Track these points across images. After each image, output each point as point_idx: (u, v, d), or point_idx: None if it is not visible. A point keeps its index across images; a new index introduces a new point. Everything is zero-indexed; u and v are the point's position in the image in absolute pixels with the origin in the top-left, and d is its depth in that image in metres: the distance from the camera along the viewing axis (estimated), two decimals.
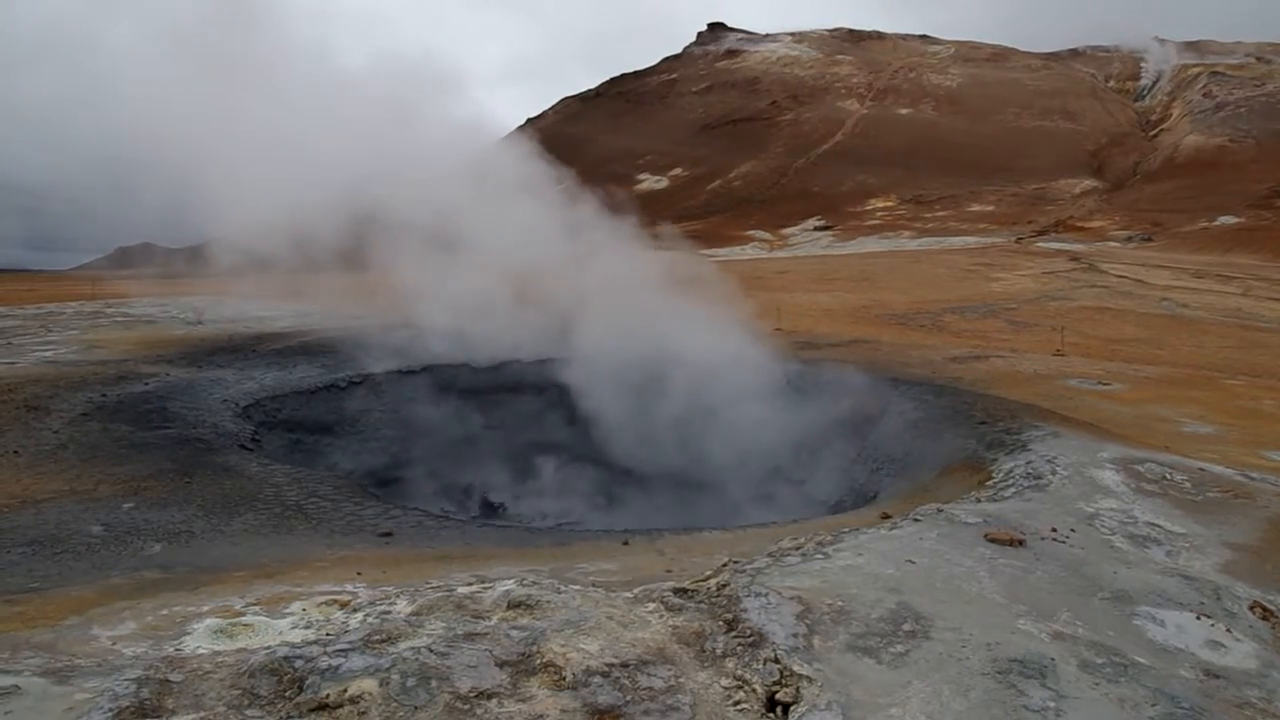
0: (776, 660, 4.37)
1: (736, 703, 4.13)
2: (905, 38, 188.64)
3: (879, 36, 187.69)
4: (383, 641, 4.43)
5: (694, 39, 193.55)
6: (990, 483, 9.11)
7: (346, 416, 15.14)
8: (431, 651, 4.25)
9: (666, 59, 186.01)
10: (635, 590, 5.41)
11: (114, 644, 4.75)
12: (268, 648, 4.49)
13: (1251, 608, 5.59)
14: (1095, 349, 21.30)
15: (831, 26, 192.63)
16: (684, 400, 15.78)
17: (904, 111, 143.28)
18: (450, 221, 19.09)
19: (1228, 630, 5.23)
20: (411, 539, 8.37)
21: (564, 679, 4.13)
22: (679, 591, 5.27)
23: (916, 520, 6.97)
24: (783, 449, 15.27)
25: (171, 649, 4.61)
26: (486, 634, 4.56)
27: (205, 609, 5.36)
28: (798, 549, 6.19)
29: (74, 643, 4.73)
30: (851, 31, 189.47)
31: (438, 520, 9.33)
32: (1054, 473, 8.75)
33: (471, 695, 3.94)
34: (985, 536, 6.48)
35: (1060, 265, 48.65)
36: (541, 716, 3.86)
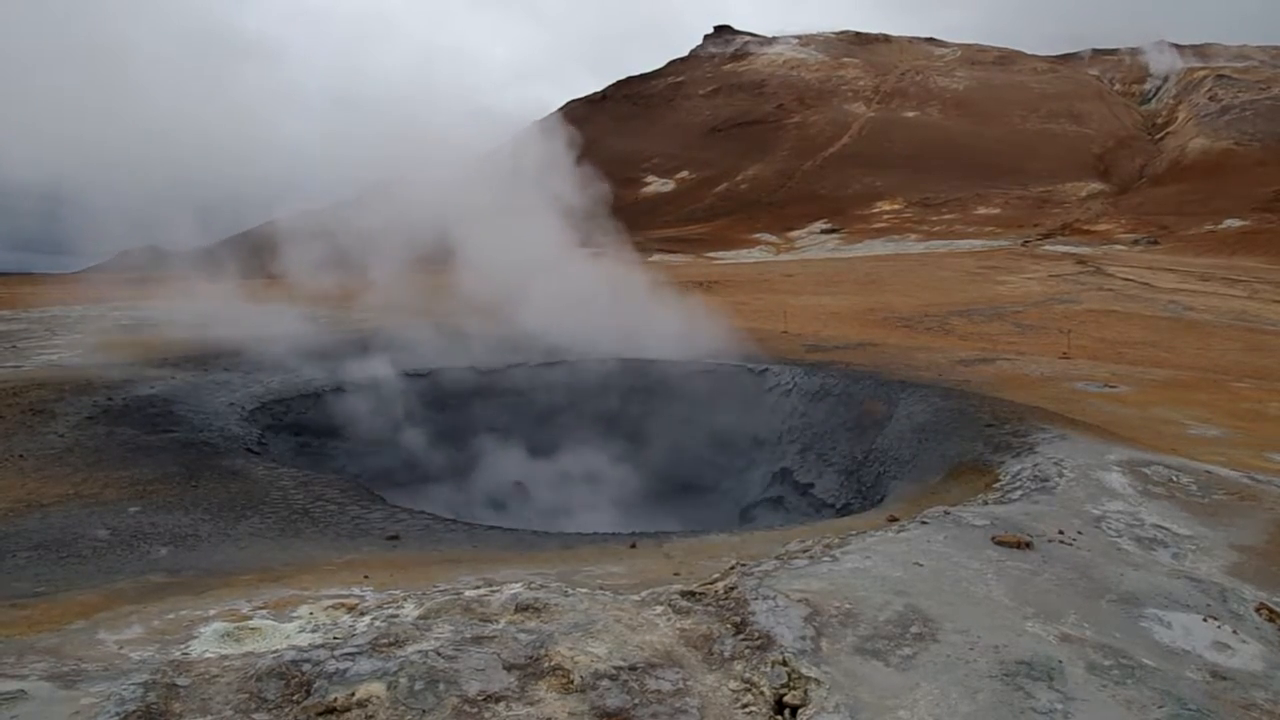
0: (784, 663, 4.36)
1: (744, 705, 4.12)
2: (912, 40, 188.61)
3: (885, 39, 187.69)
4: (390, 645, 4.43)
5: (700, 42, 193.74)
6: (997, 485, 9.10)
7: (353, 418, 15.14)
8: (439, 655, 4.25)
9: (673, 62, 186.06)
10: (643, 593, 5.40)
11: (120, 648, 4.75)
12: (275, 651, 4.50)
13: (1258, 609, 5.57)
14: (1102, 352, 21.25)
15: (838, 29, 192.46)
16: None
17: (910, 114, 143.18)
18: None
19: (1234, 632, 5.22)
20: (419, 542, 8.38)
21: (572, 682, 4.13)
22: (687, 594, 5.27)
23: (924, 523, 6.96)
24: (790, 450, 15.30)
25: (178, 653, 4.61)
26: (494, 637, 4.56)
27: (212, 613, 5.37)
28: (805, 552, 6.18)
29: (80, 647, 4.74)
30: (858, 34, 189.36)
31: (445, 523, 9.34)
32: (1061, 475, 8.73)
33: (479, 699, 3.94)
34: (992, 539, 6.47)
35: (1067, 268, 48.58)
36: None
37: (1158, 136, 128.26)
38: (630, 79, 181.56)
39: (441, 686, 3.98)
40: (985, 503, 8.24)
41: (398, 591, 5.77)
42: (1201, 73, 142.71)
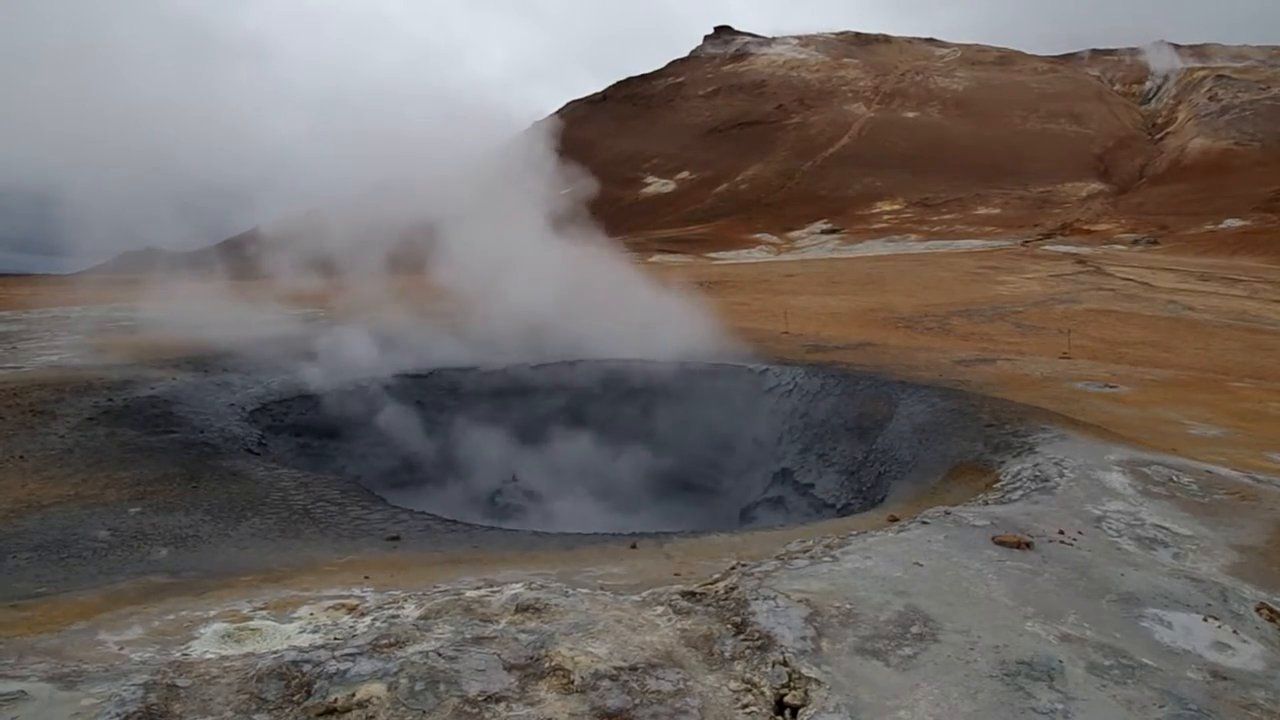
0: (785, 663, 4.36)
1: (745, 705, 4.12)
2: (911, 41, 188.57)
3: (885, 40, 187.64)
4: (391, 645, 4.43)
5: (700, 42, 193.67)
6: (998, 485, 9.09)
7: (353, 419, 15.14)
8: (440, 655, 4.25)
9: (673, 62, 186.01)
10: (643, 593, 5.40)
11: (121, 649, 4.75)
12: (275, 652, 4.50)
13: (1258, 609, 5.57)
14: (1102, 352, 21.24)
15: (837, 30, 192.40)
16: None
17: (910, 115, 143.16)
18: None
19: (1234, 632, 5.21)
20: (419, 543, 8.39)
21: (572, 682, 4.13)
22: (687, 595, 5.27)
23: (924, 523, 6.96)
24: (791, 450, 15.29)
25: (179, 654, 4.61)
26: (495, 638, 4.56)
27: (212, 614, 5.37)
28: (806, 552, 6.18)
29: (81, 648, 4.74)
30: (858, 35, 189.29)
31: (445, 524, 9.33)
32: (1061, 475, 8.72)
33: (480, 699, 3.94)
34: (993, 539, 6.47)
35: (1067, 268, 48.57)
36: None
37: (1158, 136, 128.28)
38: (630, 79, 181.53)
39: (442, 687, 3.98)
40: (985, 503, 8.24)
41: (398, 592, 5.77)
42: (1201, 73, 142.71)
